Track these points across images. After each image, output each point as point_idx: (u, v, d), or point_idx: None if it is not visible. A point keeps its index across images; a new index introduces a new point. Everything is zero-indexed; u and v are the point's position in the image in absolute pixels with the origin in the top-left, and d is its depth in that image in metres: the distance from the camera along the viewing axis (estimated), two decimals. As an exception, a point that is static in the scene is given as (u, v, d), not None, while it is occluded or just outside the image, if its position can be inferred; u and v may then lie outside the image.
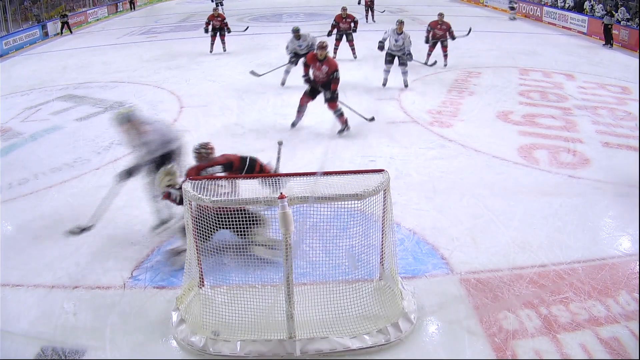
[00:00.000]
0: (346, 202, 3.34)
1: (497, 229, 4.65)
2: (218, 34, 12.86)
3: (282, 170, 5.35)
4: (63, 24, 18.12)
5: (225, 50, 12.88)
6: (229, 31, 12.96)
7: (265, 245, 3.83)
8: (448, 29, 10.73)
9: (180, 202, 3.78)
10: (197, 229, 3.39)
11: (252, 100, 8.75)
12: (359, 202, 3.26)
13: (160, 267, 4.18)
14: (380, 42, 9.19)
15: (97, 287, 3.95)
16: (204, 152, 4.17)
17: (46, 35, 17.40)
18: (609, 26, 13.25)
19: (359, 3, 18.11)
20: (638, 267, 4.06)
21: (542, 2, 18.34)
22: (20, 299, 3.84)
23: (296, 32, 9.22)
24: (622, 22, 13.61)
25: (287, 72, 9.38)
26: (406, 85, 9.13)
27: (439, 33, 10.75)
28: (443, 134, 7.04)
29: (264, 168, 4.26)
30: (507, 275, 3.96)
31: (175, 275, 4.03)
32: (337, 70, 6.70)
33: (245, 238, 3.57)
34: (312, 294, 3.52)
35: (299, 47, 9.22)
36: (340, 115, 6.93)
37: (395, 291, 3.55)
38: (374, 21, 16.88)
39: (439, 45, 10.88)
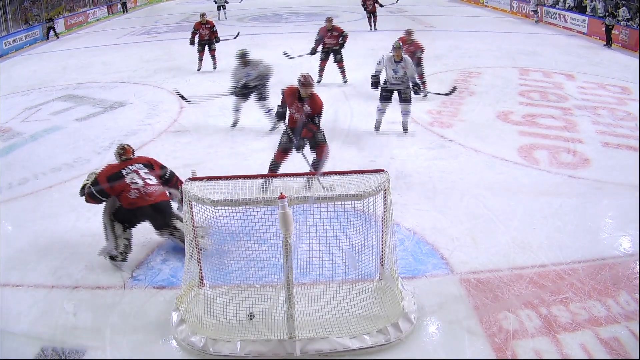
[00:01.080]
0: (346, 202, 3.34)
1: (497, 229, 4.65)
2: (207, 47, 10.88)
3: (282, 170, 5.35)
4: (49, 28, 17.33)
5: (215, 68, 10.90)
6: (218, 41, 10.93)
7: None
8: (415, 50, 8.31)
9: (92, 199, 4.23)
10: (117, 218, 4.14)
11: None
12: (359, 202, 3.26)
13: (160, 267, 4.19)
14: (373, 76, 6.94)
15: (97, 287, 3.96)
16: (117, 151, 4.38)
17: (46, 35, 17.38)
18: (610, 27, 13.24)
19: (365, 9, 16.00)
20: (638, 267, 4.06)
21: (543, 2, 18.32)
22: (20, 299, 3.84)
23: (242, 58, 7.11)
24: (621, 22, 13.60)
25: (237, 109, 7.39)
26: (405, 130, 7.01)
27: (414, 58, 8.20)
28: (443, 134, 7.04)
29: (179, 180, 4.42)
30: (507, 275, 3.96)
31: (175, 275, 4.04)
32: (320, 114, 5.09)
33: (162, 230, 4.27)
34: (312, 294, 3.52)
35: (248, 77, 7.11)
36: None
37: (395, 291, 3.55)
38: (376, 29, 15.54)
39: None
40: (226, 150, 6.68)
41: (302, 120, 5.06)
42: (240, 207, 3.24)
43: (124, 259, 4.19)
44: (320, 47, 9.44)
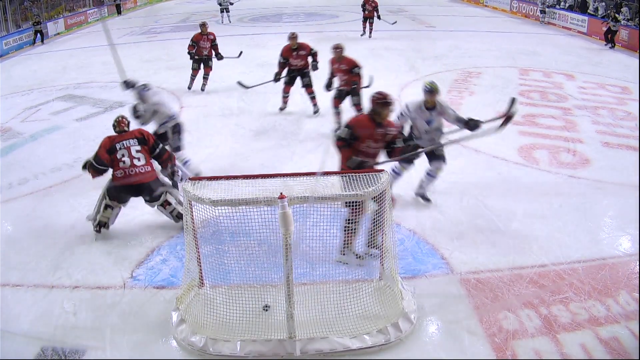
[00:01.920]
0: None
1: (497, 229, 4.65)
2: (202, 65, 9.20)
3: (282, 170, 5.35)
4: (36, 32, 16.42)
5: (203, 90, 9.29)
6: (220, 58, 9.26)
7: (178, 202, 4.63)
8: (350, 68, 6.71)
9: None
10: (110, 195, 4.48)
11: (252, 100, 8.75)
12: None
13: (160, 267, 4.19)
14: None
15: (97, 287, 3.95)
16: (113, 123, 4.69)
17: (46, 35, 17.35)
18: (615, 31, 13.17)
19: (363, 10, 14.60)
20: (638, 267, 4.06)
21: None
22: (20, 299, 3.84)
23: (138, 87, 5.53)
24: (622, 22, 13.59)
25: None
26: (427, 198, 5.13)
27: (342, 78, 6.80)
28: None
29: (172, 157, 4.88)
30: (507, 275, 3.96)
31: (175, 275, 4.04)
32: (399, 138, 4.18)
33: (154, 203, 4.60)
34: (312, 294, 3.52)
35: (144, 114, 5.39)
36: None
37: (395, 291, 3.56)
38: (371, 36, 14.38)
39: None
40: (226, 150, 6.68)
41: (378, 152, 4.12)
42: (240, 207, 3.24)
43: (98, 231, 4.58)
44: (285, 71, 7.72)
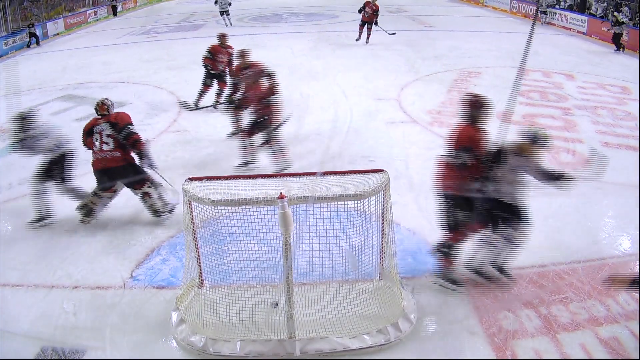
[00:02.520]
0: (346, 202, 3.34)
1: (497, 229, 4.64)
2: (216, 81, 8.08)
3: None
4: (31, 35, 16.11)
5: (217, 108, 7.93)
6: (233, 74, 7.21)
7: (158, 198, 4.76)
8: (258, 75, 5.80)
9: None
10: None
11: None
12: (359, 202, 3.27)
13: (160, 267, 4.19)
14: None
15: (97, 287, 3.96)
16: (95, 107, 4.75)
17: (45, 35, 17.37)
18: (619, 34, 13.14)
19: (360, 12, 13.28)
20: (638, 267, 4.06)
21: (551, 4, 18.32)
22: (20, 299, 3.84)
23: (22, 120, 4.90)
24: (625, 22, 13.55)
25: (38, 195, 4.89)
26: (507, 273, 3.88)
27: (257, 109, 5.74)
28: (443, 134, 7.00)
29: (138, 142, 4.66)
30: (507, 275, 3.96)
31: (174, 275, 4.04)
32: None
33: (137, 191, 4.68)
34: (312, 294, 3.53)
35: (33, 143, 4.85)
36: None
37: (395, 291, 3.56)
38: (367, 42, 13.34)
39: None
40: (226, 150, 6.67)
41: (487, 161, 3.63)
42: (240, 207, 3.24)
43: (88, 216, 4.73)
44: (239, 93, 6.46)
